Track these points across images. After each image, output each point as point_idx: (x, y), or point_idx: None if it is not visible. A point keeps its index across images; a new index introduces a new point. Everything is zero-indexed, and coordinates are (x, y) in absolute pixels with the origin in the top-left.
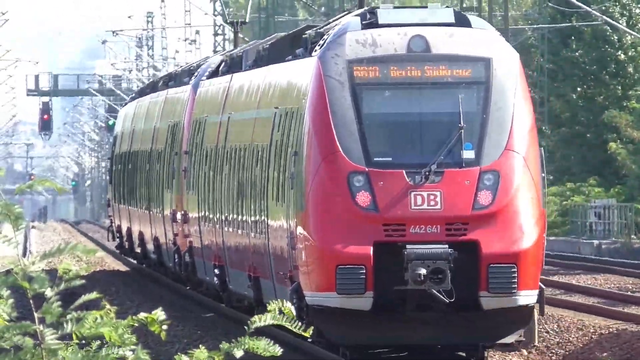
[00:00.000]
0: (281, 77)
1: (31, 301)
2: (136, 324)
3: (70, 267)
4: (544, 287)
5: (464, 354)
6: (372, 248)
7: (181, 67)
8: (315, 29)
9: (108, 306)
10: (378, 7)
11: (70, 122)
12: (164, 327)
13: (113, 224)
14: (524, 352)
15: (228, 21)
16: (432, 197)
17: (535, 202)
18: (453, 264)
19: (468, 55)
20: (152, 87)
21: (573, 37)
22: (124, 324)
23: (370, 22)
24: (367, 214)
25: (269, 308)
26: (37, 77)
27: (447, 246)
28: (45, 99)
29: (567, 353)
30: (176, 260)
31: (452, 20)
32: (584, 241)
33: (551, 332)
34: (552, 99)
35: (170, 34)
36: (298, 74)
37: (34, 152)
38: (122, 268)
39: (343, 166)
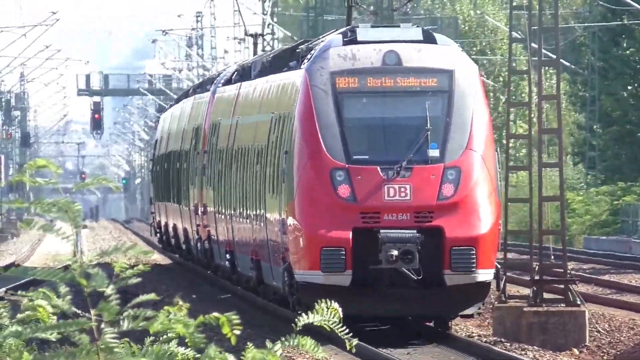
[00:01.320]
0: (277, 85)
1: (88, 299)
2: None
3: (126, 265)
4: (499, 266)
5: (432, 324)
6: (351, 233)
7: (208, 75)
8: (307, 44)
9: (180, 302)
10: (358, 26)
11: (121, 121)
12: (236, 331)
13: (155, 220)
14: (575, 351)
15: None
16: (402, 189)
17: (491, 194)
18: (420, 247)
19: (434, 67)
20: (185, 94)
21: (624, 36)
22: (195, 323)
23: (350, 39)
24: (347, 204)
25: (316, 308)
26: (88, 76)
27: (415, 231)
28: (97, 98)
29: (618, 352)
30: (199, 248)
31: (420, 37)
32: (635, 240)
33: (602, 331)
34: (603, 98)
35: (219, 33)
36: (290, 83)
37: (85, 151)
38: (166, 262)
39: (326, 163)
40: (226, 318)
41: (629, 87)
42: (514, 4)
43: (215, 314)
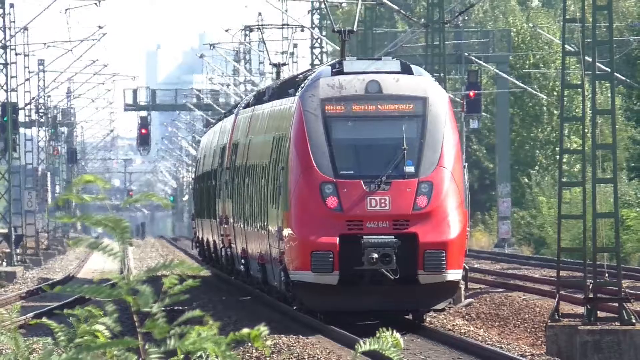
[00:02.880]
0: (278, 109)
1: (134, 316)
2: (238, 339)
3: (175, 281)
4: (467, 267)
5: (410, 317)
6: (338, 239)
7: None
8: (304, 73)
9: (211, 321)
10: (345, 59)
11: (168, 136)
12: (268, 342)
13: (195, 235)
14: None
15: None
16: (382, 200)
17: (460, 204)
18: (398, 250)
19: (410, 95)
20: (224, 115)
21: None
22: (227, 340)
23: (338, 70)
24: (335, 213)
25: (377, 335)
26: (135, 91)
27: (393, 237)
28: (143, 113)
29: None
30: (222, 256)
31: (398, 69)
32: None
33: None
34: None
35: (267, 47)
36: (287, 108)
37: (132, 167)
38: (207, 274)
39: (316, 177)
40: (257, 332)
41: None
42: (567, 16)
43: (246, 329)
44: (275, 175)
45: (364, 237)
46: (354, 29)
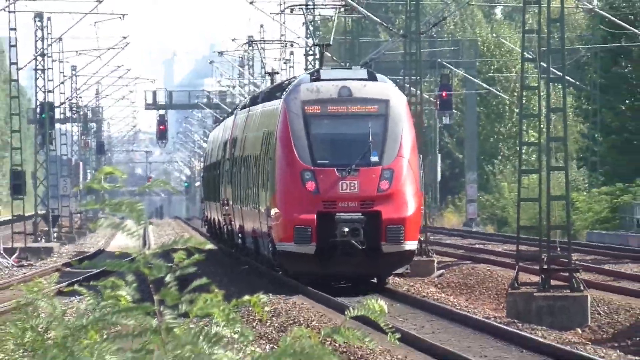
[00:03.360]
0: (268, 110)
1: (151, 286)
2: (240, 304)
3: (184, 256)
4: (421, 239)
5: (375, 281)
6: (315, 216)
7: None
8: (289, 80)
9: (216, 290)
10: (321, 69)
11: (183, 131)
12: (266, 309)
13: (204, 215)
14: (579, 330)
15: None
16: (352, 184)
17: (416, 188)
18: (364, 225)
19: (374, 98)
20: (222, 118)
21: (622, 56)
22: (230, 306)
23: (316, 77)
24: (313, 195)
25: (365, 303)
26: (154, 93)
27: (361, 214)
28: (162, 112)
29: (616, 332)
30: (225, 232)
31: (365, 76)
32: (632, 235)
33: (602, 313)
34: (604, 110)
35: (268, 54)
36: (275, 108)
37: (152, 157)
38: (212, 247)
39: (298, 166)
40: (256, 299)
41: (627, 101)
42: (526, 28)
43: (247, 296)
44: (265, 164)
45: (337, 214)
46: (330, 42)
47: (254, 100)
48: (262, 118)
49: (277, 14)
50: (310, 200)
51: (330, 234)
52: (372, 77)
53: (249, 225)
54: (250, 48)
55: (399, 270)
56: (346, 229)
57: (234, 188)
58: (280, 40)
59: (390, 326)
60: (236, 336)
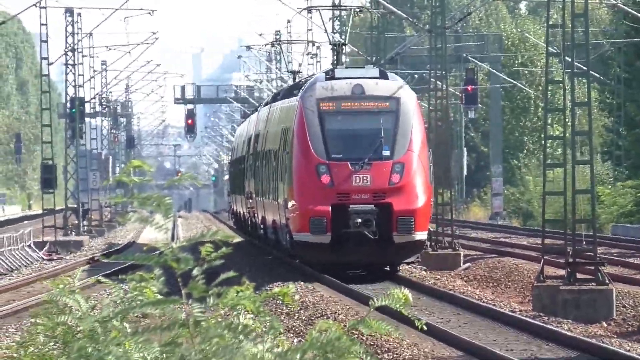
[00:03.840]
0: (286, 107)
1: (179, 279)
2: (270, 296)
3: (211, 249)
4: (431, 229)
5: (388, 269)
6: (330, 208)
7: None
8: (306, 79)
9: (247, 282)
10: (336, 67)
11: (211, 126)
12: (296, 297)
13: (231, 208)
14: (604, 323)
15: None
16: (365, 178)
17: (425, 180)
18: (377, 217)
19: (386, 95)
20: (248, 114)
21: None
22: (260, 298)
23: (331, 76)
24: (328, 188)
25: (391, 293)
26: (183, 87)
27: (373, 206)
28: (190, 106)
29: None
30: (249, 224)
31: (377, 75)
32: None
33: (627, 306)
34: (628, 104)
35: (294, 49)
36: (292, 105)
37: (180, 151)
38: (239, 239)
39: (313, 160)
40: (286, 290)
41: None
42: (550, 23)
43: (277, 288)
44: (283, 158)
45: (350, 206)
46: (346, 42)
47: (275, 97)
48: (281, 114)
49: (304, 9)
50: (325, 193)
51: (344, 225)
52: (383, 76)
53: (270, 217)
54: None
55: (410, 260)
56: (359, 220)
57: (256, 181)
58: (302, 40)
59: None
60: (265, 328)
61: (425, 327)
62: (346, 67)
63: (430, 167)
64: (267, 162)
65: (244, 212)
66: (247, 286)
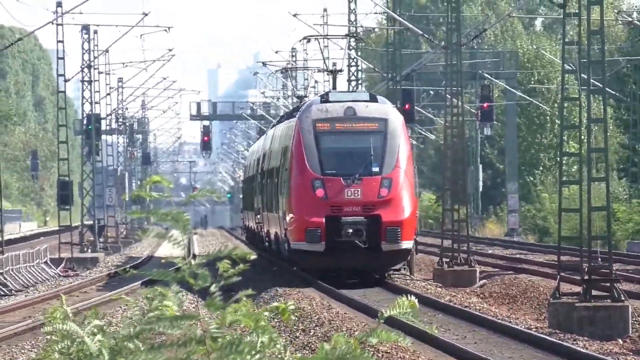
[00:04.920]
0: (285, 127)
1: (196, 295)
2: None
3: (228, 266)
4: (417, 239)
5: (377, 276)
6: (324, 219)
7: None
8: (304, 102)
9: (244, 299)
10: (330, 91)
11: (227, 142)
12: (292, 316)
13: (244, 224)
14: (620, 341)
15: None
16: (356, 191)
17: (411, 194)
18: (366, 227)
19: (375, 117)
20: (260, 135)
21: None
22: (259, 315)
23: (325, 99)
24: (322, 201)
25: (397, 301)
26: (199, 104)
27: (363, 218)
28: (206, 123)
29: None
30: (257, 237)
31: (367, 98)
32: None
33: None
34: None
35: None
36: (291, 126)
37: (196, 168)
38: (254, 256)
39: (309, 175)
40: (285, 306)
41: None
42: (566, 40)
43: (275, 304)
44: (282, 174)
45: (343, 217)
46: (342, 69)
47: (280, 119)
48: (282, 134)
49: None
50: (320, 205)
51: (337, 235)
52: (373, 99)
53: (273, 229)
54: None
55: (397, 267)
56: (350, 230)
57: (263, 198)
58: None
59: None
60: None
61: (436, 333)
62: (339, 92)
63: (416, 182)
64: (271, 179)
65: (254, 227)
66: (244, 303)
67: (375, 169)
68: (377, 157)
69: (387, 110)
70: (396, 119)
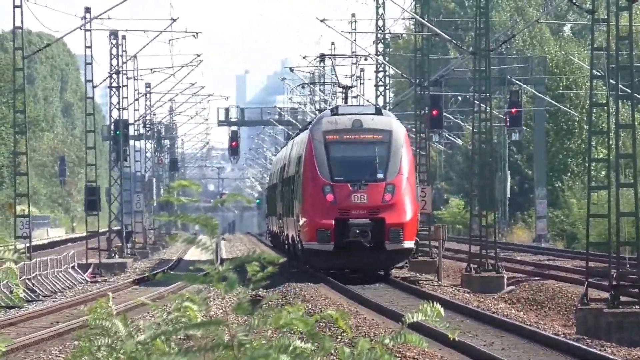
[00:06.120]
0: (300, 139)
1: (224, 300)
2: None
3: (257, 269)
4: (418, 240)
5: (382, 273)
6: (333, 221)
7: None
8: (318, 116)
9: (299, 303)
10: (340, 105)
11: (255, 148)
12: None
13: (268, 229)
14: None
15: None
16: (362, 196)
17: (413, 199)
18: (372, 229)
19: (380, 128)
20: (290, 137)
21: None
22: (312, 321)
23: (335, 112)
24: (331, 205)
25: (420, 307)
26: (227, 109)
27: (369, 220)
28: (234, 128)
29: None
30: (281, 241)
31: (373, 111)
32: None
33: None
34: None
35: (339, 71)
36: (304, 137)
37: (224, 174)
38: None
39: (320, 182)
40: (340, 314)
41: None
42: (595, 45)
43: (330, 311)
44: (296, 181)
45: (350, 220)
46: (352, 84)
47: (299, 131)
48: (298, 145)
49: (349, 32)
50: (329, 209)
51: (345, 235)
52: (378, 112)
53: (290, 232)
54: (321, 65)
55: (399, 265)
56: (357, 231)
57: (283, 204)
58: (354, 53)
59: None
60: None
61: (456, 338)
62: (348, 105)
63: (417, 188)
64: (289, 187)
65: (277, 231)
66: (298, 307)
67: (380, 176)
68: (381, 165)
69: (391, 122)
70: (399, 130)
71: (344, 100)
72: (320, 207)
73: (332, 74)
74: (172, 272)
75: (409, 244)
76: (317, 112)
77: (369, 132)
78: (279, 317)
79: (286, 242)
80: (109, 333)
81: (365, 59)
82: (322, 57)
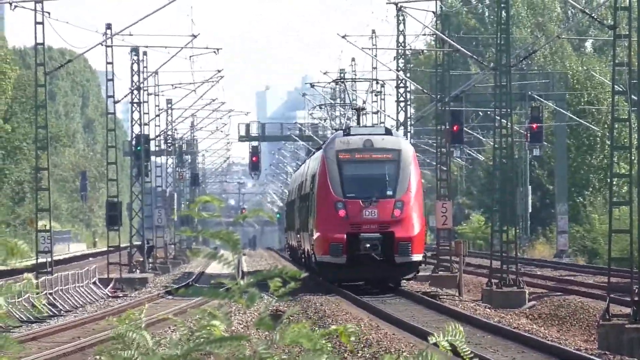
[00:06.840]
0: (315, 157)
1: (245, 314)
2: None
3: (279, 284)
4: (426, 253)
5: (392, 285)
6: (345, 235)
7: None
8: (332, 136)
9: (304, 321)
10: (352, 126)
11: (275, 163)
12: (352, 338)
13: (287, 243)
14: None
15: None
16: (373, 212)
17: (420, 214)
18: (382, 242)
19: (390, 148)
20: (310, 152)
21: None
22: (317, 336)
23: (347, 133)
24: (344, 220)
25: (446, 328)
26: (247, 125)
27: (379, 234)
28: (255, 143)
29: None
30: (298, 254)
31: (383, 132)
32: None
33: None
34: None
35: (359, 87)
36: (318, 156)
37: (244, 189)
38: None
39: (333, 198)
40: (343, 329)
41: None
42: (617, 61)
43: (334, 326)
44: (311, 198)
45: (361, 234)
46: (364, 106)
47: (315, 150)
48: (312, 163)
49: (369, 48)
50: (342, 224)
51: (356, 249)
52: (388, 133)
53: (306, 246)
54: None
55: (408, 277)
56: (368, 245)
57: (300, 219)
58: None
59: (469, 352)
60: None
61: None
62: (360, 126)
63: (425, 204)
64: (305, 203)
65: (295, 246)
66: (304, 324)
67: (390, 193)
68: (391, 182)
69: (400, 142)
70: (408, 150)
71: (356, 122)
72: (333, 222)
73: (350, 93)
74: (196, 285)
75: (417, 257)
76: (334, 130)
77: (379, 152)
78: (286, 334)
79: (302, 255)
80: (132, 346)
81: (383, 85)
82: (336, 81)
